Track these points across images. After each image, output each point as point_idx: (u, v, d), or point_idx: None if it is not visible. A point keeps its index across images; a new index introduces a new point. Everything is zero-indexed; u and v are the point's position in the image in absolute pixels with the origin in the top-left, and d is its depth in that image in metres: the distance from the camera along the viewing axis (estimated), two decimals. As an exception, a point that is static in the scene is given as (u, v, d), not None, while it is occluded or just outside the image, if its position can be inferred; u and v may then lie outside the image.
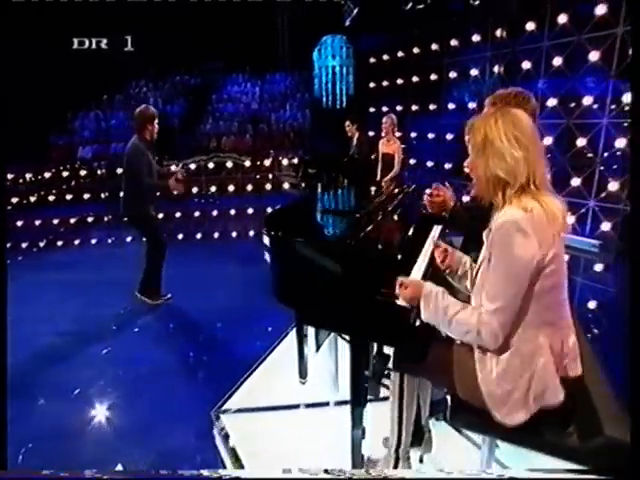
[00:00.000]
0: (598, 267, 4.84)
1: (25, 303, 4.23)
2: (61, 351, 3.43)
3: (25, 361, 3.23)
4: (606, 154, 5.08)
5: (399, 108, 8.52)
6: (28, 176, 9.43)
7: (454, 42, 7.20)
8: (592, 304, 4.03)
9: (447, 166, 7.65)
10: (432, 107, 7.89)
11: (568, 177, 5.36)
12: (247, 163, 9.53)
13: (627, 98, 4.84)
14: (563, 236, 1.33)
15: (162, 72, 13.00)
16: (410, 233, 1.97)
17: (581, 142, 5.26)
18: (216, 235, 7.16)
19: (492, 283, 1.30)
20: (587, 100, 5.22)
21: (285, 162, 9.71)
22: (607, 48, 5.02)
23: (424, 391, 1.76)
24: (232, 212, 8.65)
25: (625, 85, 4.90)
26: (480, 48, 6.78)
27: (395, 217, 2.05)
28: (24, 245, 6.57)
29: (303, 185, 5.81)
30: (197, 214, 8.53)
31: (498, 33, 6.37)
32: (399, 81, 8.49)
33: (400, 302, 1.43)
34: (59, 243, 6.79)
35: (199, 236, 6.99)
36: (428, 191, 2.01)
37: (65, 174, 9.43)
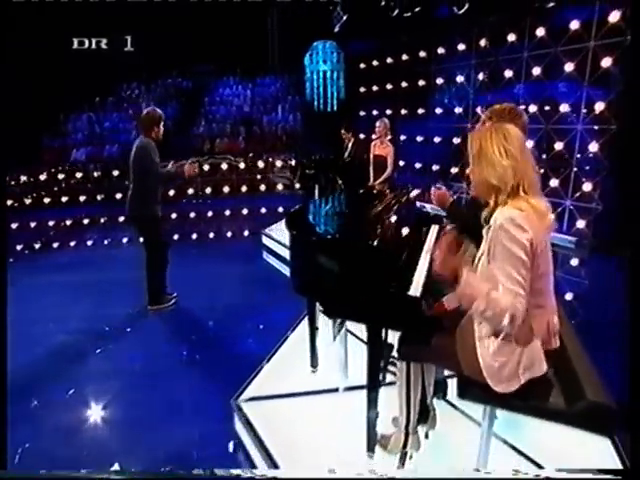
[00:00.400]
0: (574, 262, 5.24)
1: (24, 304, 4.38)
2: (70, 350, 3.58)
3: (38, 360, 3.41)
4: (581, 157, 5.51)
5: (389, 112, 8.88)
6: (23, 178, 9.51)
7: (441, 50, 7.61)
8: (569, 296, 4.33)
9: (435, 167, 8.05)
10: (420, 111, 8.28)
11: (547, 178, 5.78)
12: (242, 165, 9.78)
13: (599, 106, 5.28)
14: (550, 233, 1.58)
15: (154, 74, 13.12)
16: (413, 232, 2.30)
17: (558, 146, 5.69)
18: (211, 235, 7.38)
19: (503, 269, 1.47)
20: (563, 107, 5.64)
21: (279, 164, 9.99)
22: (581, 60, 5.46)
23: (429, 375, 2.00)
24: (227, 213, 8.90)
25: (597, 94, 5.35)
26: (465, 56, 7.19)
27: (398, 217, 2.37)
28: (19, 247, 6.71)
29: (300, 186, 6.12)
30: (192, 215, 8.75)
31: (482, 43, 6.78)
32: (389, 86, 8.86)
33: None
34: (55, 245, 6.93)
35: (194, 236, 7.17)
36: (433, 189, 2.34)
37: (61, 176, 9.52)
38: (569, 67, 5.59)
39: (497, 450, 1.94)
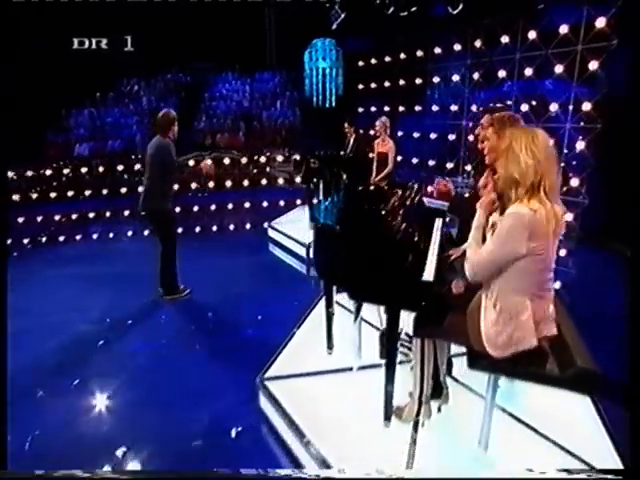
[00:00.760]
0: (562, 252, 5.60)
1: (35, 295, 4.66)
2: (93, 338, 3.79)
3: (64, 347, 3.63)
4: (568, 154, 5.86)
5: (386, 109, 9.20)
6: (29, 173, 9.69)
7: (437, 50, 7.91)
8: (557, 284, 4.77)
9: (431, 163, 8.39)
10: (417, 108, 8.60)
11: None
12: (244, 160, 10.05)
13: (586, 106, 5.63)
14: (559, 233, 1.76)
15: (153, 70, 13.22)
16: (421, 225, 2.64)
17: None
18: (214, 228, 7.68)
19: (488, 246, 1.84)
20: (553, 107, 5.99)
21: (280, 158, 10.27)
22: (569, 62, 5.80)
23: (442, 354, 2.31)
24: (229, 206, 9.19)
25: (584, 95, 5.70)
26: (461, 56, 7.50)
27: (409, 212, 2.70)
28: (26, 241, 6.91)
29: (304, 180, 6.38)
30: (196, 209, 9.02)
31: (477, 44, 7.09)
32: (386, 84, 9.16)
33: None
34: (61, 238, 7.14)
35: (198, 229, 7.43)
36: (438, 183, 2.67)
37: (66, 171, 9.72)
38: (559, 69, 5.93)
39: (499, 420, 2.27)
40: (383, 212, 2.45)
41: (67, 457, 2.45)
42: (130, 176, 10.01)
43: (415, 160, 8.63)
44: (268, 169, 10.56)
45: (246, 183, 10.09)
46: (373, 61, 9.54)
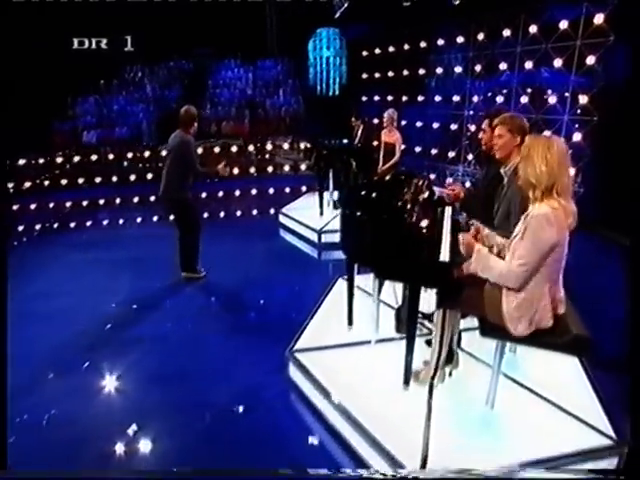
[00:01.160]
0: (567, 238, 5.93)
1: (52, 279, 4.96)
2: (127, 317, 4.09)
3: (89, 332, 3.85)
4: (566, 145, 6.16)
5: (390, 98, 9.43)
6: (40, 161, 9.88)
7: (441, 41, 8.13)
8: None
9: (433, 151, 8.67)
10: (420, 98, 8.84)
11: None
12: (250, 147, 10.27)
13: (583, 99, 5.92)
14: (572, 227, 2.02)
15: (155, 57, 13.25)
16: (434, 213, 2.96)
17: (547, 134, 6.33)
18: (222, 214, 7.96)
19: (524, 249, 2.01)
20: (552, 99, 6.27)
21: (286, 146, 10.50)
22: (568, 56, 6.07)
23: (455, 326, 2.63)
24: (237, 193, 9.46)
25: (581, 88, 5.98)
26: (464, 48, 7.73)
27: (424, 201, 3.01)
28: (38, 227, 7.21)
29: (315, 168, 6.64)
30: (204, 195, 9.28)
31: (480, 36, 7.32)
32: (390, 73, 9.38)
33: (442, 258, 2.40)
34: (72, 224, 7.39)
35: (206, 215, 7.60)
36: (448, 188, 2.98)
37: (76, 159, 9.92)
38: (558, 63, 6.19)
39: (502, 383, 2.60)
40: (403, 201, 2.75)
41: (115, 424, 2.75)
42: (139, 164, 10.21)
43: (418, 149, 8.89)
44: (273, 157, 10.78)
45: (252, 170, 10.30)
46: (377, 51, 9.72)
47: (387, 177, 3.73)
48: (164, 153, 10.22)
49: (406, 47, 8.91)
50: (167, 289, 4.70)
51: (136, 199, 9.05)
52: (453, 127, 8.10)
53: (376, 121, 8.80)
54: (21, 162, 9.55)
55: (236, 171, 10.32)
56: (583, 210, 6.03)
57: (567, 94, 6.12)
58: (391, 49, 9.29)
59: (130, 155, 10.14)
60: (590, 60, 5.80)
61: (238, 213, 8.08)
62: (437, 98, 8.48)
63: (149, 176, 10.00)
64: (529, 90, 6.68)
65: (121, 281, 4.87)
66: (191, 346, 3.66)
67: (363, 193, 2.89)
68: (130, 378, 3.24)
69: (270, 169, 10.45)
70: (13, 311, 4.25)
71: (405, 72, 9.03)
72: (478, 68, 7.53)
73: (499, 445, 2.32)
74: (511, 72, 6.91)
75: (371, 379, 2.83)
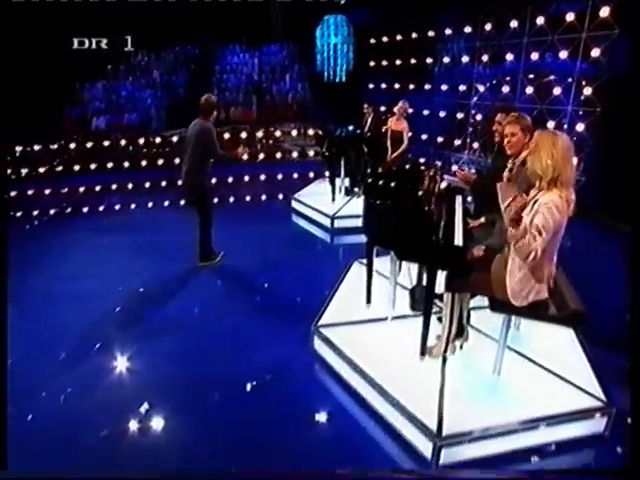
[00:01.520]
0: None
1: (80, 261, 5.22)
2: (156, 298, 4.32)
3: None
4: (568, 134, 6.38)
5: (397, 86, 9.60)
6: (53, 147, 10.08)
7: (448, 31, 8.27)
8: None
9: (439, 139, 8.89)
10: (427, 87, 9.01)
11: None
12: (259, 134, 10.46)
13: (587, 91, 6.13)
14: (569, 214, 2.28)
15: (161, 42, 13.26)
16: (446, 201, 3.23)
17: (551, 124, 6.55)
18: (231, 199, 8.20)
19: (540, 228, 2.20)
20: (556, 90, 6.48)
21: (294, 133, 10.69)
22: (573, 48, 6.25)
23: (466, 304, 2.93)
24: (246, 178, 9.69)
25: (586, 80, 6.18)
26: (471, 38, 7.89)
27: (438, 190, 3.27)
28: (52, 211, 7.47)
29: (327, 155, 6.85)
30: (214, 181, 9.49)
31: (487, 27, 7.47)
32: (397, 62, 9.52)
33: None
34: (88, 209, 7.64)
35: (216, 200, 7.97)
36: (458, 172, 3.25)
37: (89, 145, 10.12)
38: (563, 54, 6.38)
39: (507, 355, 2.91)
40: (420, 190, 3.02)
41: (151, 396, 3.00)
42: (151, 149, 10.41)
43: (424, 136, 9.10)
44: (280, 143, 10.96)
45: (262, 156, 10.50)
46: (385, 39, 9.85)
47: (406, 167, 3.98)
48: (175, 139, 10.49)
49: (414, 35, 9.04)
50: (186, 272, 4.91)
51: (147, 184, 9.30)
52: (459, 116, 8.30)
53: (383, 108, 8.99)
54: (36, 147, 9.75)
55: (245, 157, 10.53)
56: (584, 198, 6.32)
57: (570, 79, 6.30)
58: (399, 37, 9.42)
59: (142, 141, 10.32)
60: (595, 52, 5.99)
61: (248, 198, 8.29)
62: (444, 87, 8.65)
63: (160, 162, 10.22)
64: (532, 76, 6.86)
65: (142, 264, 5.11)
66: (216, 324, 3.91)
67: (384, 182, 3.15)
68: (160, 354, 3.48)
69: (279, 155, 10.64)
70: (45, 292, 4.58)
71: (412, 60, 9.18)
72: (485, 58, 7.69)
73: (504, 406, 2.63)
74: (517, 62, 7.08)
75: (389, 351, 3.13)
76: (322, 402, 2.95)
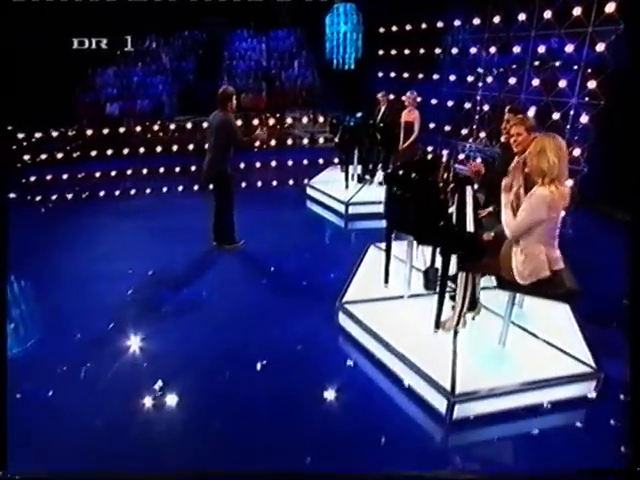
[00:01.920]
0: (562, 213, 6.52)
1: (111, 243, 5.53)
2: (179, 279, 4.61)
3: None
4: (573, 126, 6.67)
5: (406, 75, 9.83)
6: (70, 133, 10.37)
7: (457, 22, 8.48)
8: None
9: (447, 128, 9.17)
10: (435, 77, 9.26)
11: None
12: (271, 121, 10.72)
13: (591, 84, 6.40)
14: (565, 205, 2.73)
15: (169, 27, 13.30)
16: (457, 191, 3.58)
17: (556, 116, 6.83)
18: (244, 185, 8.51)
19: (520, 215, 2.74)
20: (562, 83, 6.74)
21: (305, 120, 10.94)
22: (579, 42, 6.50)
23: (478, 281, 3.32)
24: (257, 165, 10.00)
25: (590, 74, 6.44)
26: (479, 30, 8.11)
27: (450, 181, 3.63)
28: (69, 196, 7.83)
29: (339, 143, 7.15)
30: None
31: (495, 19, 7.69)
32: (406, 51, 9.74)
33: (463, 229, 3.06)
34: (101, 193, 7.98)
35: None
36: (470, 166, 3.61)
37: (105, 131, 10.39)
38: (569, 48, 6.63)
39: (511, 329, 3.30)
40: (435, 180, 3.38)
41: (186, 368, 3.35)
42: (164, 135, 10.69)
43: (432, 125, 9.37)
44: (288, 129, 11.21)
45: (273, 143, 10.79)
46: (394, 28, 10.04)
47: (423, 159, 4.31)
48: (189, 125, 10.77)
49: (424, 26, 9.24)
50: (208, 255, 5.22)
51: (161, 169, 9.62)
52: (467, 106, 8.57)
53: (392, 97, 9.22)
54: (54, 134, 10.05)
55: (257, 144, 10.81)
56: (587, 188, 6.65)
57: (576, 79, 6.57)
58: (409, 27, 9.61)
59: (156, 127, 10.59)
60: (600, 47, 6.24)
61: (262, 184, 8.59)
62: (452, 77, 8.89)
63: (174, 148, 10.51)
64: (541, 73, 7.11)
65: (167, 247, 5.41)
66: (243, 303, 4.21)
67: (404, 173, 3.50)
68: (196, 330, 3.80)
69: (289, 142, 10.91)
70: (83, 272, 4.94)
71: (421, 50, 9.39)
72: (493, 50, 7.93)
73: (508, 371, 3.03)
74: (524, 55, 7.33)
75: (407, 325, 3.52)
76: (349, 368, 3.35)
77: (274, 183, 8.75)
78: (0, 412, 1.89)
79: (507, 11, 7.47)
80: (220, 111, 4.87)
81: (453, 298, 3.56)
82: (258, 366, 3.36)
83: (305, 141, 10.98)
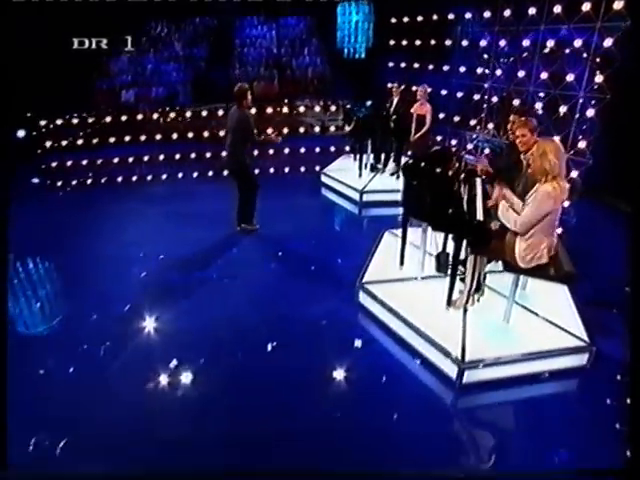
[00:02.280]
0: (566, 203, 6.79)
1: (140, 228, 5.81)
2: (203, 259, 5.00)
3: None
4: (579, 119, 6.93)
5: (416, 65, 10.05)
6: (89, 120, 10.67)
7: (468, 15, 8.68)
8: (559, 229, 6.02)
9: (456, 119, 9.42)
10: (445, 68, 9.48)
11: (551, 135, 7.22)
12: (285, 109, 10.98)
13: (598, 79, 6.64)
14: (565, 199, 3.13)
15: (180, 12, 13.36)
16: (468, 183, 3.92)
17: (563, 109, 7.09)
18: (257, 171, 8.82)
19: (529, 210, 3.06)
20: (570, 77, 6.98)
21: (317, 108, 11.19)
22: (587, 38, 6.72)
23: (483, 266, 3.68)
24: (270, 152, 10.29)
25: (598, 68, 6.67)
26: (490, 23, 8.31)
27: (461, 174, 3.97)
28: (89, 181, 8.20)
29: (352, 132, 7.43)
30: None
31: (506, 13, 7.90)
32: (417, 42, 9.95)
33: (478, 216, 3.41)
34: (119, 179, 8.31)
35: None
36: (479, 168, 3.96)
37: (123, 118, 10.69)
38: (577, 43, 6.85)
39: (515, 307, 3.66)
40: (449, 172, 3.72)
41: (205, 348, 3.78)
42: (181, 122, 10.97)
43: (442, 115, 9.61)
44: (298, 117, 11.44)
45: (286, 131, 11.04)
46: (406, 19, 10.22)
47: (438, 152, 4.63)
48: (204, 113, 11.04)
49: (435, 17, 9.43)
50: (229, 239, 5.54)
51: (177, 156, 9.93)
52: (476, 97, 8.81)
53: (402, 87, 9.46)
54: (74, 121, 10.36)
55: (270, 131, 11.10)
56: (592, 179, 6.94)
57: (584, 73, 6.80)
58: (420, 18, 9.80)
59: (173, 115, 10.88)
60: (607, 42, 6.47)
61: (276, 171, 8.88)
62: (462, 68, 9.11)
63: (190, 135, 10.81)
64: (549, 67, 7.35)
65: (191, 231, 5.72)
66: (266, 284, 4.56)
67: (421, 165, 3.83)
68: (226, 309, 4.16)
69: (302, 130, 11.18)
70: (114, 256, 5.29)
71: (432, 41, 9.60)
72: (502, 43, 8.14)
73: (511, 343, 3.40)
74: (533, 49, 7.55)
75: (421, 303, 3.89)
76: (370, 340, 3.74)
77: (287, 170, 9.04)
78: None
79: (518, 5, 7.67)
80: (237, 108, 5.17)
81: (463, 280, 3.92)
82: (287, 339, 3.74)
83: (317, 129, 11.24)
